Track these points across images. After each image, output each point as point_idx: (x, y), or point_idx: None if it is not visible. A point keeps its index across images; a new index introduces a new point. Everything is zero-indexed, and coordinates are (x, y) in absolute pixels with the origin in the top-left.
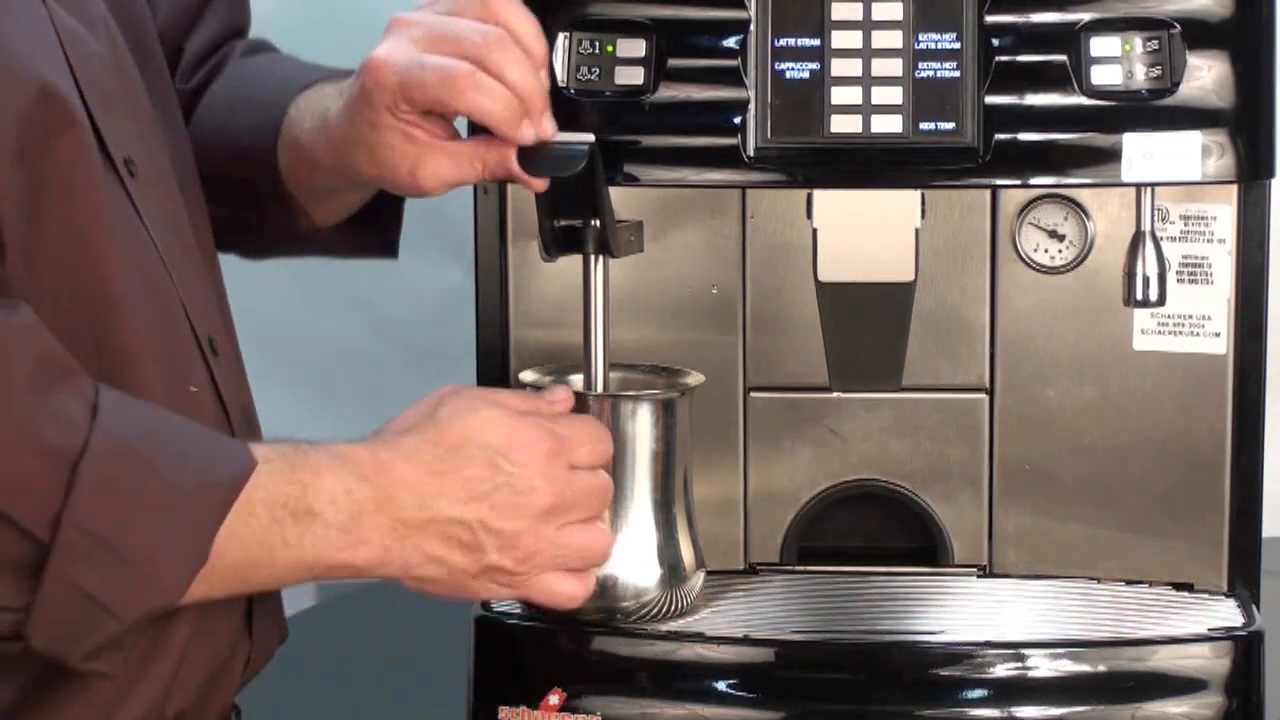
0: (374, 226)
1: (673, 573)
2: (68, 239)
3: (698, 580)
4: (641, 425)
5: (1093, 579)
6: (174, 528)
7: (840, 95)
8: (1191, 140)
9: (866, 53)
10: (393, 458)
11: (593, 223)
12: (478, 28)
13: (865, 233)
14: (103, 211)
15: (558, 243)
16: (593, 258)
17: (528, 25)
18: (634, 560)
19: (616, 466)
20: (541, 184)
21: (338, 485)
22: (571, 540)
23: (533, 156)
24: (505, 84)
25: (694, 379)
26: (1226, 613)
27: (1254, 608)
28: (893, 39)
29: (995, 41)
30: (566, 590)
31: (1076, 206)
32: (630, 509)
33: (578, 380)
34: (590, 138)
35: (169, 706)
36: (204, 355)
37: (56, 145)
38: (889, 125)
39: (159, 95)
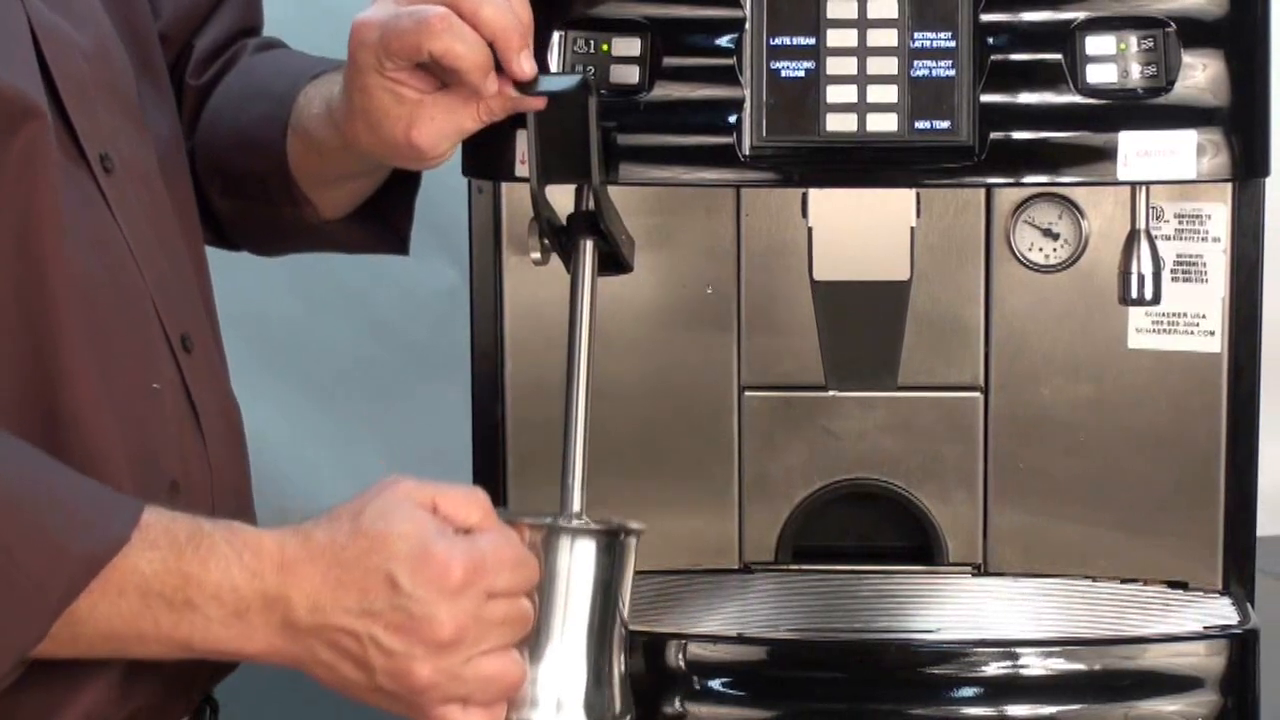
0: (384, 221)
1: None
2: (13, 229)
3: None
4: (581, 562)
5: (1087, 577)
6: (10, 601)
7: (835, 94)
8: (1186, 139)
9: (862, 51)
10: (298, 555)
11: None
12: None
13: (860, 231)
14: (59, 204)
15: (553, 238)
16: (584, 243)
17: None
18: (560, 702)
19: (548, 601)
20: (539, 102)
21: (224, 581)
22: (477, 673)
23: (528, 85)
24: (480, 23)
25: (637, 526)
26: (1221, 611)
27: (1249, 606)
28: (888, 37)
29: (990, 40)
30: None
31: (1071, 205)
32: (559, 647)
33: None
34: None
35: (129, 700)
36: (173, 352)
37: (13, 138)
38: (884, 124)
39: (152, 94)
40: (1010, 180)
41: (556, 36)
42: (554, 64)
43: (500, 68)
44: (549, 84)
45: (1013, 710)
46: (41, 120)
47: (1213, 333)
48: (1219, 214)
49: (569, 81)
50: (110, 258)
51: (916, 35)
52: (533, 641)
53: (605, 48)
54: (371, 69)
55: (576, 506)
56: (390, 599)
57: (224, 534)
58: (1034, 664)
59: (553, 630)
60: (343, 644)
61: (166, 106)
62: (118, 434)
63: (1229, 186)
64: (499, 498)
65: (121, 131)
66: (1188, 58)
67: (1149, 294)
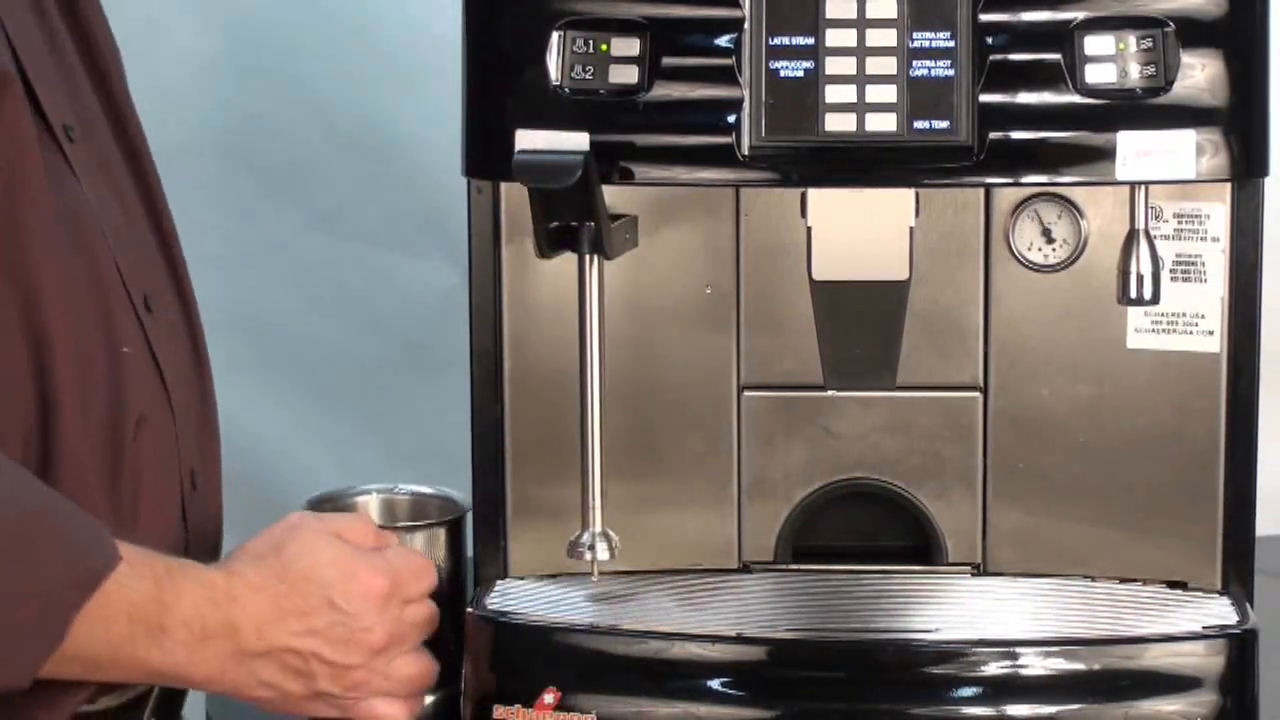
0: None
1: None
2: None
3: None
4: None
5: (1087, 577)
6: (28, 616)
7: (835, 94)
8: (1185, 138)
9: (861, 51)
10: (242, 588)
11: (587, 223)
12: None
13: (860, 231)
14: (42, 173)
15: (552, 243)
16: (588, 258)
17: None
18: None
19: None
20: None
21: (194, 610)
22: (401, 672)
23: (526, 165)
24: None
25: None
26: (1220, 611)
27: (1248, 606)
28: (887, 37)
29: (989, 40)
30: (391, 713)
31: (1070, 205)
32: None
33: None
34: (584, 143)
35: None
36: (136, 314)
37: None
38: (883, 124)
39: (103, 69)
40: (1009, 180)
41: (556, 36)
42: (554, 64)
43: None
44: (546, 165)
45: (1012, 710)
46: (14, 88)
47: (1212, 332)
48: (1218, 214)
49: (567, 163)
50: (78, 224)
51: (915, 35)
52: None
53: (604, 48)
54: None
55: (598, 527)
56: (330, 617)
57: (182, 570)
58: (1033, 664)
59: None
60: (289, 662)
61: (119, 84)
62: (96, 398)
63: (1228, 186)
64: (499, 496)
65: (77, 103)
66: (1187, 57)
67: (1148, 294)
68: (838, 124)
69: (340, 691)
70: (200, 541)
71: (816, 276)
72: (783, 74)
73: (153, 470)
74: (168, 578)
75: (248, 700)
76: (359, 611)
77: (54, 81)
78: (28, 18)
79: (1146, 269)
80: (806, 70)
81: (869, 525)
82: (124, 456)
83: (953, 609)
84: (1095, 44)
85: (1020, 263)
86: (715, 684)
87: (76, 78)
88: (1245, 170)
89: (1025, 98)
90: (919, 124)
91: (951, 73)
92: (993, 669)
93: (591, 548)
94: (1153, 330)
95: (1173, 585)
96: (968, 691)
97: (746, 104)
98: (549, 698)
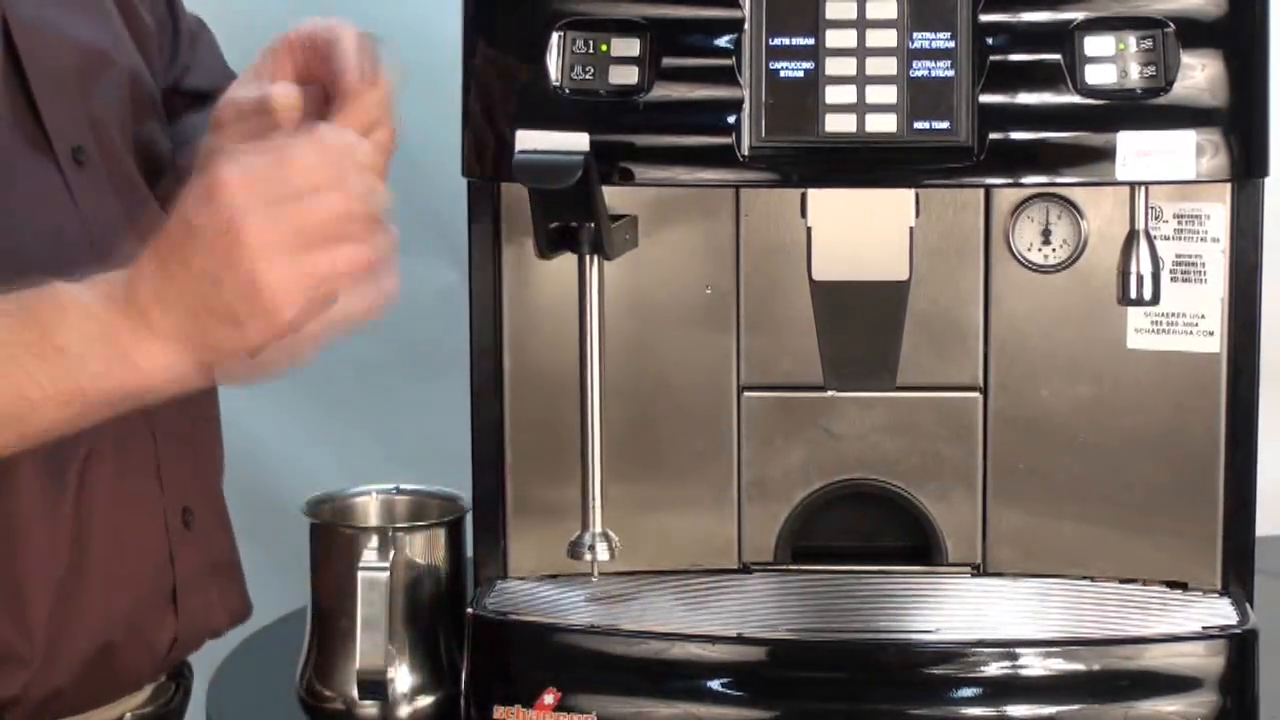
0: None
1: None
2: None
3: None
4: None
5: (1087, 578)
6: None
7: (835, 94)
8: (1185, 139)
9: (861, 52)
10: (144, 265)
11: (587, 224)
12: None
13: (859, 232)
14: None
15: (552, 243)
16: (588, 258)
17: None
18: None
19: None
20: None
21: (80, 310)
22: (328, 268)
23: (526, 165)
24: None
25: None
26: (1221, 611)
27: (1248, 606)
28: (887, 38)
29: (989, 40)
30: (365, 304)
31: (1070, 205)
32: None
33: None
34: (584, 143)
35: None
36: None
37: None
38: (883, 124)
39: (142, 97)
40: (1009, 180)
41: (556, 37)
42: (554, 64)
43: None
44: (546, 166)
45: (1012, 710)
46: None
47: (1212, 333)
48: (1218, 214)
49: (567, 164)
50: (64, 247)
51: (915, 36)
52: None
53: (604, 48)
54: None
55: (598, 527)
56: (189, 237)
57: (79, 285)
58: (1033, 664)
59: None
60: (201, 318)
61: (155, 111)
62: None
63: (1228, 187)
64: (499, 496)
65: (113, 119)
66: (1187, 58)
67: (1148, 294)
68: (838, 124)
69: (268, 309)
70: (193, 592)
71: (816, 277)
72: (783, 74)
73: (108, 511)
74: (42, 298)
75: (225, 371)
76: (215, 220)
77: (73, 103)
78: (58, 39)
79: (1146, 269)
80: (806, 71)
81: (869, 526)
82: (64, 496)
83: (953, 609)
84: (1095, 44)
85: (1020, 263)
86: (715, 684)
87: (120, 102)
88: (1245, 170)
89: (1025, 98)
90: (919, 124)
91: (951, 73)
92: (993, 669)
93: (591, 548)
94: (1153, 330)
95: (1173, 585)
96: (968, 692)
97: (746, 104)
98: (549, 698)
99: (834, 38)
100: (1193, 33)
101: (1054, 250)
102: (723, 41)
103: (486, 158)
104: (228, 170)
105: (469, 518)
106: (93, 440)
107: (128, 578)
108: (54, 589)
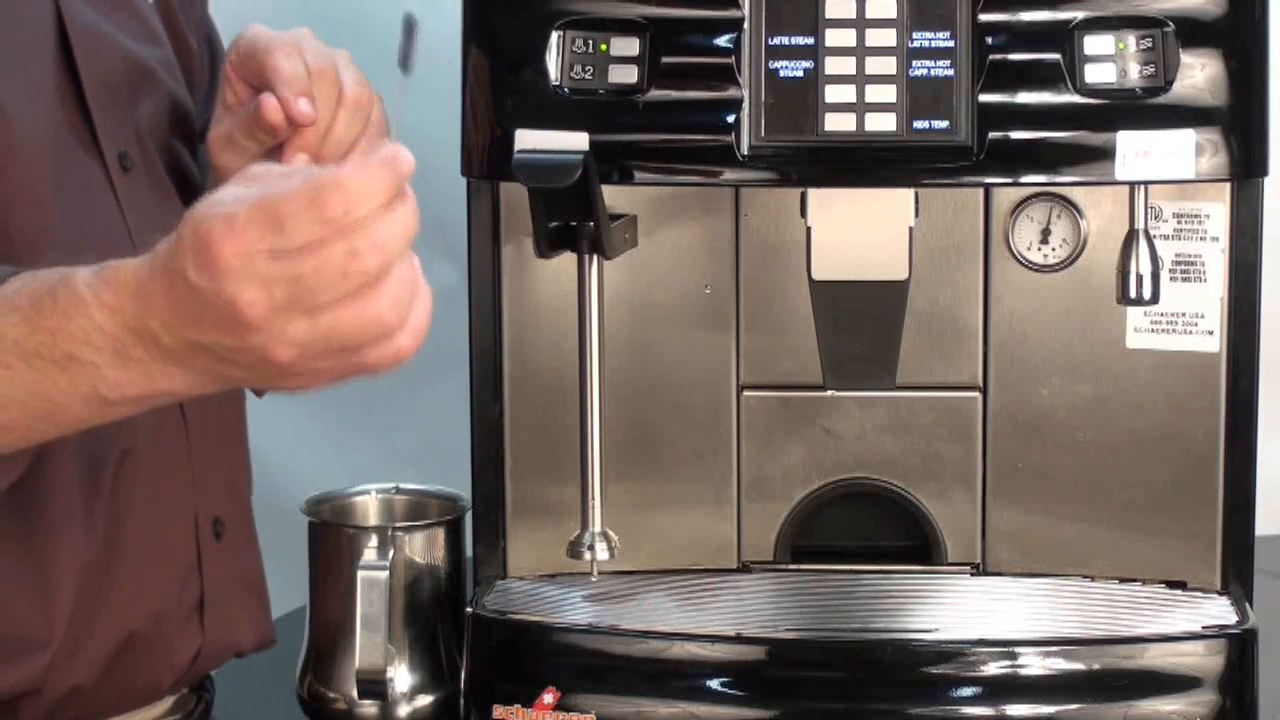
0: None
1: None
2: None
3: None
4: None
5: (1086, 577)
6: None
7: (834, 94)
8: (1185, 138)
9: (860, 51)
10: (149, 283)
11: (587, 223)
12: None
13: (859, 231)
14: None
15: (552, 243)
16: (587, 258)
17: None
18: None
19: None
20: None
21: (89, 326)
22: (332, 328)
23: (526, 165)
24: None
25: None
26: (1220, 610)
27: (1247, 605)
28: (887, 37)
29: (989, 40)
30: (391, 352)
31: (1070, 205)
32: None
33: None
34: (584, 142)
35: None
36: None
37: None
38: (883, 124)
39: (182, 122)
40: (1009, 180)
41: (555, 36)
42: (553, 64)
43: None
44: (545, 165)
45: (1012, 710)
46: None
47: (1211, 332)
48: (1217, 214)
49: (566, 163)
50: (108, 249)
51: (915, 35)
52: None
53: (604, 48)
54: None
55: (598, 527)
56: (195, 300)
57: (86, 277)
58: (1033, 664)
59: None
60: (199, 358)
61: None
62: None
63: (1227, 186)
64: (499, 496)
65: (153, 133)
66: (1186, 57)
67: (1148, 294)
68: (837, 124)
69: (289, 367)
70: (220, 605)
71: (816, 276)
72: (782, 74)
73: (141, 510)
74: (50, 299)
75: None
76: (217, 285)
77: (122, 108)
78: (112, 44)
79: (1146, 269)
80: (806, 70)
81: (868, 525)
82: (99, 490)
83: (952, 609)
84: (1095, 44)
85: (1020, 263)
86: (715, 684)
87: (167, 112)
88: (1245, 170)
89: (1025, 98)
90: (919, 124)
91: (951, 73)
92: (992, 669)
93: (591, 548)
94: (1152, 330)
95: (1172, 585)
96: (967, 691)
97: (746, 104)
98: (549, 698)
99: (833, 37)
100: (1192, 32)
101: (1053, 250)
102: (722, 41)
103: (486, 157)
104: (219, 231)
105: (469, 517)
106: (130, 439)
107: (155, 579)
108: (80, 579)
